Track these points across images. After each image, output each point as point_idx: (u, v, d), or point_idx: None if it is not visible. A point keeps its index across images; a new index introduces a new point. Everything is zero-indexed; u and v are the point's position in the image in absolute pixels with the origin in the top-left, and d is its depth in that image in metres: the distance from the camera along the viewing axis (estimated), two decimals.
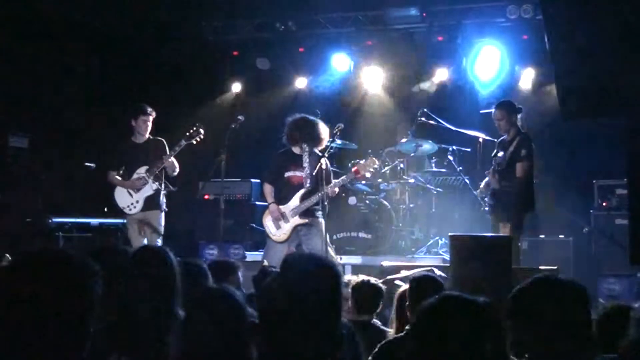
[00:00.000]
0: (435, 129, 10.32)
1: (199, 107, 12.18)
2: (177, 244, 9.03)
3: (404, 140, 10.63)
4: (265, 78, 12.48)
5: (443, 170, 10.40)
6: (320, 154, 8.09)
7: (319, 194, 7.89)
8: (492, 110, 8.61)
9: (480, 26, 11.21)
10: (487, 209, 8.71)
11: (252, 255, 10.20)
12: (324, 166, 7.97)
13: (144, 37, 11.23)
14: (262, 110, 11.97)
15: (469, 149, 10.33)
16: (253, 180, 11.29)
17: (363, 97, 12.28)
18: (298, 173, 8.16)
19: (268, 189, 8.34)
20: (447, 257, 8.83)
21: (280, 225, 8.17)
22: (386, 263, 8.19)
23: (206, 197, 10.86)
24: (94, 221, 9.02)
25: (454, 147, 10.25)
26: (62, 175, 9.18)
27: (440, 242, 10.08)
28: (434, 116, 10.19)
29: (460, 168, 10.14)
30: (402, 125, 11.06)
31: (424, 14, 11.34)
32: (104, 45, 10.71)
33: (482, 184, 8.80)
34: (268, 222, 8.27)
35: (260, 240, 10.77)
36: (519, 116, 8.50)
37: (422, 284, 4.79)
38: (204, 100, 12.49)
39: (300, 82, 12.39)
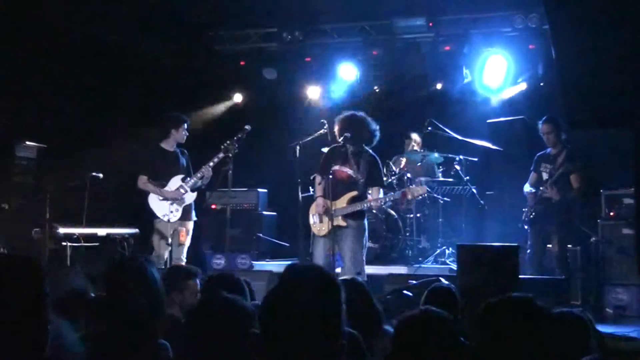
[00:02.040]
0: (442, 139, 10.34)
1: (206, 117, 12.21)
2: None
3: (411, 149, 10.67)
4: (273, 88, 12.50)
5: (450, 179, 10.41)
6: (369, 152, 8.05)
7: (366, 204, 7.86)
8: (539, 125, 8.73)
9: (487, 36, 11.21)
10: (528, 219, 8.82)
11: (259, 265, 10.21)
12: (373, 165, 8.00)
13: (151, 47, 11.26)
14: (269, 120, 11.99)
15: (475, 159, 10.35)
16: (260, 189, 11.30)
17: (370, 107, 12.28)
18: (344, 168, 8.01)
19: (318, 181, 8.18)
20: (454, 266, 8.83)
21: (322, 220, 8.01)
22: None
23: (213, 206, 10.87)
24: (101, 231, 9.03)
25: (461, 157, 10.29)
26: (70, 185, 9.19)
27: (447, 251, 10.08)
28: (441, 126, 10.22)
29: (467, 177, 10.16)
30: (409, 135, 11.06)
31: (431, 24, 11.35)
32: (110, 54, 10.74)
33: (530, 198, 8.86)
34: (313, 213, 8.14)
35: (266, 250, 10.81)
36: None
37: (438, 294, 4.79)
38: (211, 110, 12.51)
39: (308, 91, 12.41)
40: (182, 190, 8.61)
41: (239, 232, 10.57)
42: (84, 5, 9.98)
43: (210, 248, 10.81)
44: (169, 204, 8.57)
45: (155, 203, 8.62)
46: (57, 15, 9.84)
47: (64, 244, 8.67)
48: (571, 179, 8.49)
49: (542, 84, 10.95)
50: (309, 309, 2.31)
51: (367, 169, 7.95)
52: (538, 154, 9.02)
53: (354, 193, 7.93)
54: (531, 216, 8.80)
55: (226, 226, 8.59)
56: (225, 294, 3.01)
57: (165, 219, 8.56)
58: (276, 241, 11.15)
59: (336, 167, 7.99)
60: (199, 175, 8.63)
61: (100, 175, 8.93)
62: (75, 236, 8.75)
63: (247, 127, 8.55)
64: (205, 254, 10.81)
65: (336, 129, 8.11)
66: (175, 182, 8.67)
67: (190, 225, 8.75)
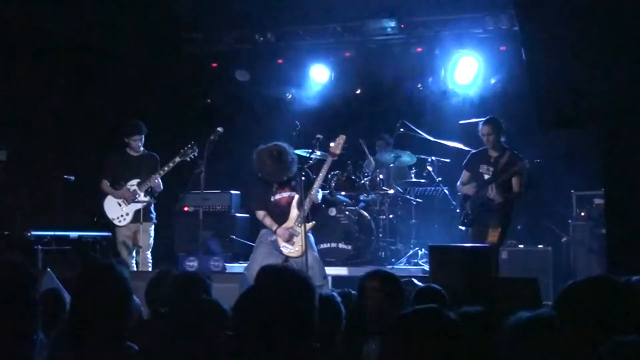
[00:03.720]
0: (414, 140, 10.37)
1: (177, 120, 12.14)
2: (157, 256, 9.02)
3: (383, 151, 10.69)
4: (245, 89, 12.46)
5: (422, 180, 10.44)
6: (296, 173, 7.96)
7: (309, 195, 7.71)
8: (479, 125, 8.67)
9: (458, 37, 11.27)
10: (467, 220, 8.75)
11: (232, 267, 10.17)
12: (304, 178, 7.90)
13: (123, 49, 11.19)
14: (241, 122, 11.95)
15: (447, 160, 10.38)
16: (233, 191, 11.26)
17: (342, 108, 12.29)
18: (285, 194, 7.92)
19: (263, 215, 7.99)
20: (427, 267, 8.85)
21: (294, 241, 7.85)
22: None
23: (185, 209, 10.80)
24: (73, 234, 8.96)
25: (433, 158, 10.32)
26: (41, 188, 9.12)
27: (420, 252, 10.10)
28: (412, 127, 10.25)
29: (440, 178, 10.20)
30: (381, 136, 11.09)
31: (402, 26, 11.40)
32: (80, 55, 10.66)
33: (470, 191, 8.74)
34: (283, 245, 7.88)
35: (240, 252, 10.76)
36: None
37: (425, 295, 4.79)
38: (183, 112, 12.44)
39: (279, 94, 12.39)
40: (133, 193, 8.63)
41: (211, 234, 10.51)
42: (52, 5, 9.90)
43: (183, 250, 10.72)
44: (120, 208, 8.60)
45: (110, 206, 8.67)
46: (25, 16, 9.75)
47: (35, 247, 8.60)
48: (513, 181, 8.45)
49: (513, 85, 11.02)
50: (283, 310, 2.31)
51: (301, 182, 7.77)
52: (472, 153, 8.87)
53: (296, 198, 7.85)
54: (471, 217, 8.70)
55: (199, 228, 8.55)
56: (200, 295, 3.00)
57: (117, 222, 8.61)
58: (249, 243, 11.06)
59: (277, 197, 7.92)
60: (149, 180, 8.65)
61: (72, 178, 8.88)
62: (46, 239, 8.68)
63: (219, 129, 8.51)
64: (178, 257, 10.74)
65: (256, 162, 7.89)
66: (130, 186, 8.70)
67: (148, 226, 8.73)
